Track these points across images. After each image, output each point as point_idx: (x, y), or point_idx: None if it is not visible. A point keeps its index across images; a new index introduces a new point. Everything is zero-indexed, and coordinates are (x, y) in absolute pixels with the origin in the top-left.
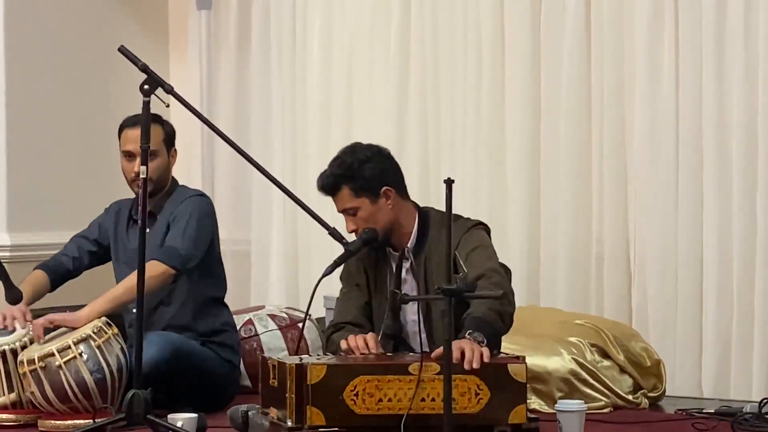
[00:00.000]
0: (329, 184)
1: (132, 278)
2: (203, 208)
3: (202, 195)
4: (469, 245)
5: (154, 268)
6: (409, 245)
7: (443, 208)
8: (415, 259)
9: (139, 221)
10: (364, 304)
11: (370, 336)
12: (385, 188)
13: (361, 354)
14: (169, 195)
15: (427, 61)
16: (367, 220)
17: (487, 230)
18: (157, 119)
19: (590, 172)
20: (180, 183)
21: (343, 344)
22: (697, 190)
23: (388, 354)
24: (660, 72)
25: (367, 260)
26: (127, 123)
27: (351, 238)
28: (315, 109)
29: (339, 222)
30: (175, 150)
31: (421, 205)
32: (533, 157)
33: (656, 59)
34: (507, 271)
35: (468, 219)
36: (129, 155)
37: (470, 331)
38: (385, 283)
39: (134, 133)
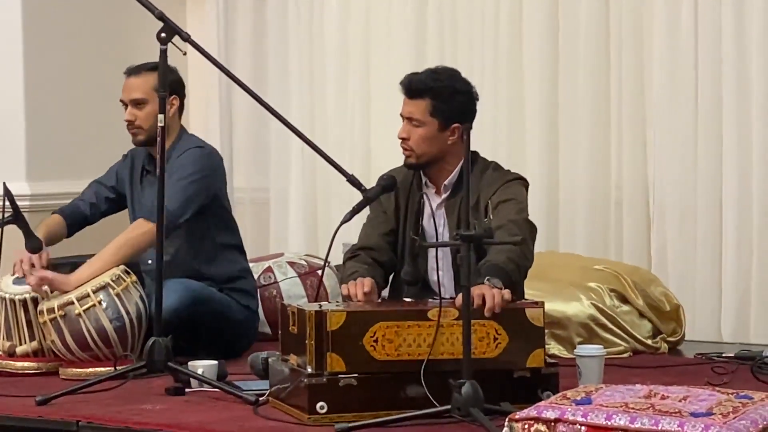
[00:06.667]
0: (417, 87)
1: (119, 239)
2: (199, 162)
3: (201, 147)
4: (503, 196)
5: (141, 226)
6: (446, 182)
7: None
8: (452, 197)
9: (158, 168)
10: (388, 230)
11: (367, 281)
12: (456, 125)
13: (358, 301)
14: (175, 145)
15: (444, 6)
16: (423, 140)
17: (526, 186)
18: (149, 67)
19: (609, 116)
20: (198, 132)
21: (344, 290)
22: (716, 134)
23: (406, 299)
24: (679, 14)
25: (402, 188)
26: (125, 72)
27: (368, 170)
28: (332, 57)
29: (357, 168)
30: (175, 98)
31: None
32: (551, 102)
33: (675, 0)
34: (532, 228)
35: (509, 171)
36: (123, 104)
37: (488, 277)
38: (415, 216)
39: (126, 83)
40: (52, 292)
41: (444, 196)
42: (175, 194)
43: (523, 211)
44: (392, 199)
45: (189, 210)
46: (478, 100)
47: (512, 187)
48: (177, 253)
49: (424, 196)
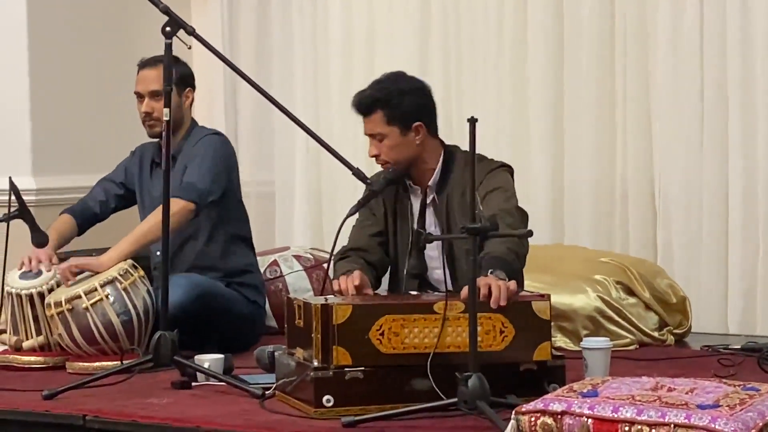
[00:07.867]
0: (365, 104)
1: (150, 220)
2: (218, 146)
3: (217, 134)
4: (489, 186)
5: (173, 205)
6: (431, 183)
7: (465, 147)
8: (437, 196)
9: (163, 163)
10: (377, 232)
11: (356, 274)
12: (417, 124)
13: (351, 295)
14: (187, 136)
15: (448, 0)
16: (391, 149)
17: (511, 172)
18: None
19: (614, 108)
20: (203, 124)
21: (335, 286)
22: (721, 126)
23: (411, 293)
24: (684, 8)
25: (387, 193)
26: (139, 64)
27: (372, 163)
28: (336, 50)
29: (362, 162)
30: (190, 90)
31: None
32: (557, 94)
33: None
34: (523, 214)
35: (492, 160)
36: (138, 96)
37: (491, 270)
38: (405, 218)
39: (142, 75)
40: (76, 275)
41: (431, 196)
42: (202, 174)
43: (511, 199)
44: (380, 204)
45: (217, 188)
46: (429, 91)
47: (498, 176)
48: (192, 238)
49: (412, 201)
